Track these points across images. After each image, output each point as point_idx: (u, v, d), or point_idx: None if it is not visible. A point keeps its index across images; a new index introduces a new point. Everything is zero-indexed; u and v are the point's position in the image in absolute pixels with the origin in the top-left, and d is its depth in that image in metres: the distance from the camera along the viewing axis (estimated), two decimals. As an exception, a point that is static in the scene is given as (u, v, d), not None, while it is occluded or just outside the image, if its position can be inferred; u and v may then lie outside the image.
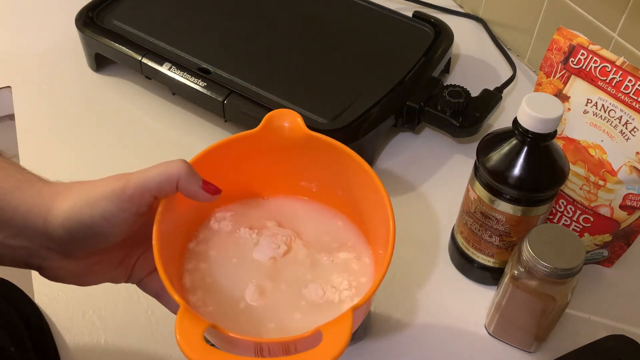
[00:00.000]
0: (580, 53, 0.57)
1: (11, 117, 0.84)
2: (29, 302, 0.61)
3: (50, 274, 0.45)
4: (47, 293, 0.62)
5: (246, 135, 0.49)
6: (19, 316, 0.59)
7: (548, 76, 0.60)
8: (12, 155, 0.78)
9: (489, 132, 0.58)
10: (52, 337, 0.59)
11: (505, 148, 0.53)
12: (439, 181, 0.74)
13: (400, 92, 0.74)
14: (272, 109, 0.70)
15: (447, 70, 0.86)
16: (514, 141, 0.52)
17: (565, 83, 0.59)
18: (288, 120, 0.50)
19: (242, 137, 0.49)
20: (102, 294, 0.61)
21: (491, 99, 0.76)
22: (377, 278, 0.43)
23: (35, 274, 0.62)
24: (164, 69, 0.75)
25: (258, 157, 0.51)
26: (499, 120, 0.81)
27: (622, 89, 0.54)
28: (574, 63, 0.57)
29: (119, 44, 0.78)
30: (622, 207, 0.58)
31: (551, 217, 0.63)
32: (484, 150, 0.55)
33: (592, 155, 0.57)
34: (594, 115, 0.57)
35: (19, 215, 0.42)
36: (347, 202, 0.52)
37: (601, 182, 0.57)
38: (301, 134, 0.49)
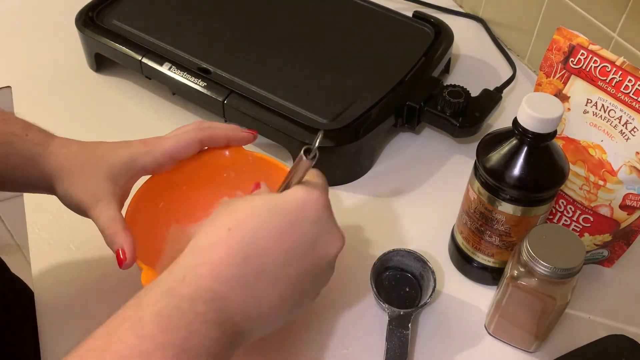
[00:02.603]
0: (580, 53, 0.57)
1: (11, 117, 0.84)
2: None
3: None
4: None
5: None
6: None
7: (548, 76, 0.60)
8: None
9: (489, 132, 0.58)
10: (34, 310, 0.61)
11: (505, 148, 0.53)
12: (439, 181, 0.74)
13: (400, 92, 0.74)
14: (272, 109, 0.71)
15: (447, 70, 0.86)
16: (514, 141, 0.52)
17: (565, 83, 0.59)
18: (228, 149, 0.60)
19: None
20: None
21: (491, 99, 0.76)
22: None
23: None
24: (164, 69, 0.75)
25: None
26: (499, 120, 0.81)
27: (622, 89, 0.54)
28: (574, 63, 0.57)
29: (119, 44, 0.78)
30: (622, 207, 0.58)
31: (551, 217, 0.63)
32: (484, 150, 0.55)
33: (592, 155, 0.57)
34: (594, 115, 0.57)
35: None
36: None
37: (601, 182, 0.57)
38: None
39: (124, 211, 0.54)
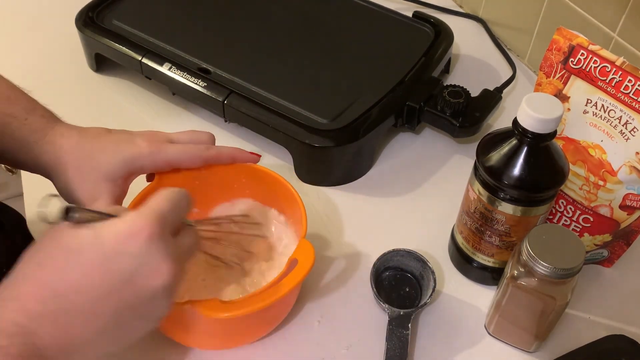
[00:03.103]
0: (580, 53, 0.57)
1: (11, 117, 0.84)
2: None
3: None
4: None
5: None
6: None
7: (548, 76, 0.60)
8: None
9: (489, 132, 0.58)
10: None
11: (505, 148, 0.53)
12: (439, 181, 0.74)
13: (400, 92, 0.74)
14: (272, 109, 0.71)
15: (447, 70, 0.86)
16: (513, 141, 0.52)
17: (565, 83, 0.59)
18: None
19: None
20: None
21: (491, 99, 0.76)
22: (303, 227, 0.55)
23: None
24: (164, 69, 0.75)
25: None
26: (499, 120, 0.81)
27: (622, 89, 0.54)
28: (574, 63, 0.57)
29: (119, 44, 0.78)
30: (622, 207, 0.58)
31: (551, 217, 0.63)
32: (484, 150, 0.55)
33: (592, 155, 0.57)
34: (593, 115, 0.57)
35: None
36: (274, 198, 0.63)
37: (601, 182, 0.57)
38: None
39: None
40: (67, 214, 0.39)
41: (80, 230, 0.39)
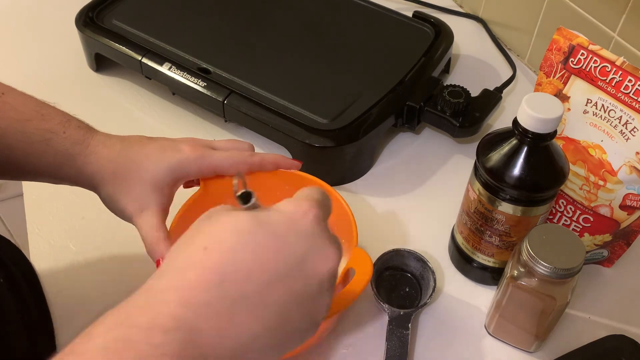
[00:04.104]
0: (580, 53, 0.57)
1: (11, 117, 0.84)
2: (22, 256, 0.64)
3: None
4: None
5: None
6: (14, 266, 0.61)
7: (548, 76, 0.60)
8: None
9: (489, 132, 0.58)
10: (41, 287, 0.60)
11: (505, 148, 0.53)
12: (439, 181, 0.74)
13: (400, 92, 0.74)
14: (272, 109, 0.71)
15: (447, 70, 0.86)
16: (513, 141, 0.52)
17: (565, 83, 0.59)
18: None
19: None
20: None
21: (491, 99, 0.76)
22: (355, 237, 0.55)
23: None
24: (164, 69, 0.75)
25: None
26: (499, 120, 0.81)
27: (622, 89, 0.54)
28: (574, 63, 0.57)
29: (119, 44, 0.78)
30: (622, 207, 0.58)
31: (551, 217, 0.63)
32: (484, 150, 0.55)
33: (592, 155, 0.57)
34: (594, 115, 0.57)
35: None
36: None
37: (601, 182, 0.57)
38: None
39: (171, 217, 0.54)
40: (248, 198, 0.37)
41: (248, 213, 0.36)
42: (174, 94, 0.79)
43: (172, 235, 0.51)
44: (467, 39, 0.92)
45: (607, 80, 0.55)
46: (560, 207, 0.62)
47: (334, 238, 0.39)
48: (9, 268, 0.59)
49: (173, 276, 0.34)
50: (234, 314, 0.34)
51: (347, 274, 0.53)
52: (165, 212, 0.52)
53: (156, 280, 0.34)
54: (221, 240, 0.35)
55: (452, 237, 0.65)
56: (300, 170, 0.74)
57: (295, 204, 0.38)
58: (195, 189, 0.58)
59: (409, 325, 0.57)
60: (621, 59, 0.54)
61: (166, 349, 0.31)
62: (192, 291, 0.33)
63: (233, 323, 0.33)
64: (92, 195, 0.54)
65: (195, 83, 0.74)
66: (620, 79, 0.54)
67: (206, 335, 0.32)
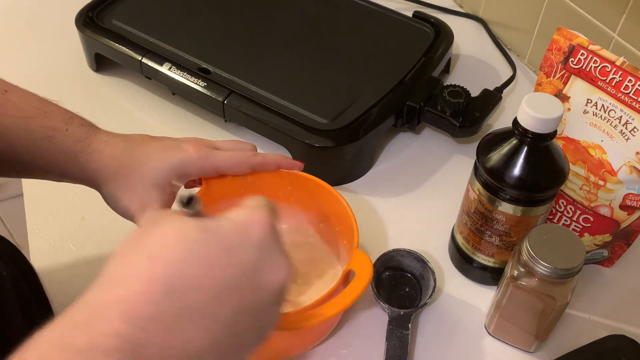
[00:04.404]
0: (580, 53, 0.57)
1: (11, 117, 0.84)
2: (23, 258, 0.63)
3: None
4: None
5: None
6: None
7: (548, 76, 0.60)
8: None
9: (489, 132, 0.58)
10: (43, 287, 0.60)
11: (505, 148, 0.53)
12: (439, 181, 0.74)
13: (400, 92, 0.74)
14: (272, 109, 0.71)
15: (447, 70, 0.86)
16: (514, 141, 0.52)
17: (565, 83, 0.59)
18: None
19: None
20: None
21: (491, 99, 0.76)
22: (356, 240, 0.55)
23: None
24: (164, 69, 0.75)
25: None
26: (499, 120, 0.81)
27: (622, 89, 0.54)
28: (574, 63, 0.57)
29: (119, 44, 0.78)
30: (622, 207, 0.58)
31: (551, 217, 0.63)
32: (484, 150, 0.55)
33: (592, 155, 0.57)
34: (594, 115, 0.57)
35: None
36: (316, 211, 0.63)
37: (601, 182, 0.57)
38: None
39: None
40: (188, 203, 0.36)
41: (196, 221, 0.34)
42: (174, 94, 0.79)
43: None
44: (467, 39, 0.92)
45: (607, 80, 0.55)
46: (560, 207, 0.62)
47: (282, 248, 0.37)
48: (9, 267, 0.59)
49: (115, 288, 0.32)
50: (180, 327, 0.32)
51: (348, 276, 0.53)
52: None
53: (97, 292, 0.32)
54: (168, 249, 0.33)
55: (452, 237, 0.65)
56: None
57: (246, 212, 0.36)
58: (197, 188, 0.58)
59: (409, 325, 0.57)
60: (621, 59, 0.54)
61: None
62: (136, 303, 0.31)
63: (179, 336, 0.32)
64: (92, 196, 0.54)
65: (195, 83, 0.74)
66: (620, 79, 0.54)
67: (149, 351, 0.30)
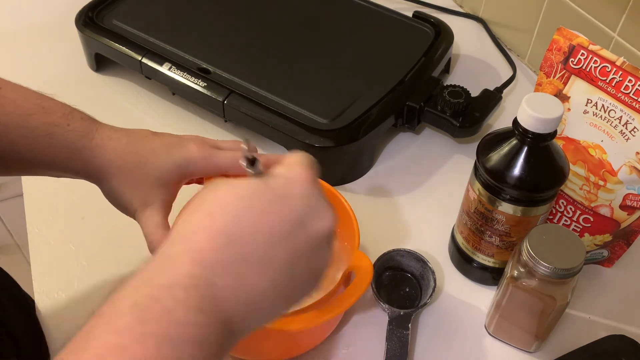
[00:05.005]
0: (580, 53, 0.57)
1: (11, 117, 0.84)
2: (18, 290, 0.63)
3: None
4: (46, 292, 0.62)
5: None
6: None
7: (548, 76, 0.60)
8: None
9: (489, 132, 0.58)
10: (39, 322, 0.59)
11: (505, 148, 0.53)
12: (439, 181, 0.74)
13: (400, 92, 0.74)
14: (272, 109, 0.71)
15: (447, 70, 0.86)
16: (514, 141, 0.52)
17: (565, 83, 0.59)
18: None
19: None
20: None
21: (491, 99, 0.76)
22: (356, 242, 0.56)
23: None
24: (164, 69, 0.75)
25: None
26: (499, 120, 0.81)
27: (622, 89, 0.54)
28: (574, 63, 0.57)
29: (119, 44, 0.78)
30: (622, 207, 0.58)
31: (551, 217, 0.63)
32: (484, 150, 0.55)
33: (592, 155, 0.57)
34: (594, 115, 0.57)
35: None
36: None
37: (601, 182, 0.57)
38: None
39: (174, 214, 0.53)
40: (252, 164, 0.40)
41: (247, 179, 0.39)
42: (174, 94, 0.79)
43: None
44: (467, 39, 0.92)
45: (607, 81, 0.55)
46: (560, 207, 0.62)
47: (327, 200, 0.41)
48: None
49: (183, 241, 0.36)
50: (244, 271, 0.36)
51: (348, 277, 0.53)
52: (168, 209, 0.52)
53: (167, 247, 0.36)
54: (224, 205, 0.37)
55: (452, 237, 0.65)
56: None
57: (289, 169, 0.40)
58: (198, 187, 0.58)
59: (409, 325, 0.57)
60: (621, 59, 0.54)
61: (189, 302, 0.33)
62: (203, 253, 0.35)
63: (243, 280, 0.36)
64: (92, 195, 0.54)
65: (195, 83, 0.74)
66: (620, 79, 0.54)
67: (221, 290, 0.35)
